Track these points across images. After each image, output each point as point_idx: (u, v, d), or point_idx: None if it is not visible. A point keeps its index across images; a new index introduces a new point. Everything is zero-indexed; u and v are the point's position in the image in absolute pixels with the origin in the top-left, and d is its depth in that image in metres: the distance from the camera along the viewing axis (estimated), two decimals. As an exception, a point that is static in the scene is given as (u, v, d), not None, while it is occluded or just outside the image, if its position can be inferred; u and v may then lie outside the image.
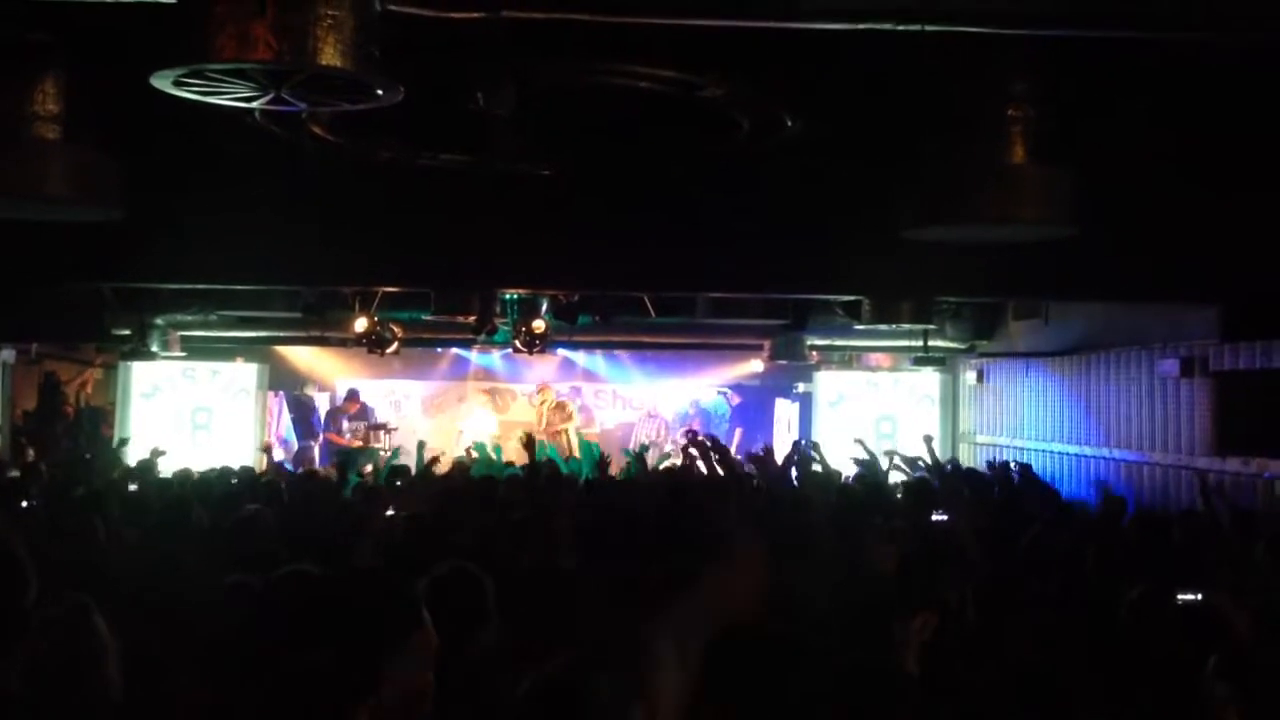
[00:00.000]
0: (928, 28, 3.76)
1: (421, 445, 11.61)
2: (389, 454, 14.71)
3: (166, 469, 10.18)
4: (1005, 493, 9.63)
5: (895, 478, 9.57)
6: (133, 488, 8.27)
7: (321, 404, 16.76)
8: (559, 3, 3.86)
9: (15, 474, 9.83)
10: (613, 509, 6.78)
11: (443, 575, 3.66)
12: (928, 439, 10.30)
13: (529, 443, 8.14)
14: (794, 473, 8.73)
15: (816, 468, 8.97)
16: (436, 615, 3.25)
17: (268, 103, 3.67)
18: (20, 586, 2.45)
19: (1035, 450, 12.09)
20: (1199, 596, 4.51)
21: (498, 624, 3.67)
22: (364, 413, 16.09)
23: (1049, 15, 3.75)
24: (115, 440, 12.52)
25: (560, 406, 16.43)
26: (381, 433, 15.86)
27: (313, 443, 16.14)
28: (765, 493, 7.44)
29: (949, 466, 10.76)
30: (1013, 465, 10.74)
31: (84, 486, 8.29)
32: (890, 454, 9.95)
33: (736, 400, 17.57)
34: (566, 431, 16.03)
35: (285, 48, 3.24)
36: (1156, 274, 7.39)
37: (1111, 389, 10.77)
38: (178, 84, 3.55)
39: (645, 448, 12.68)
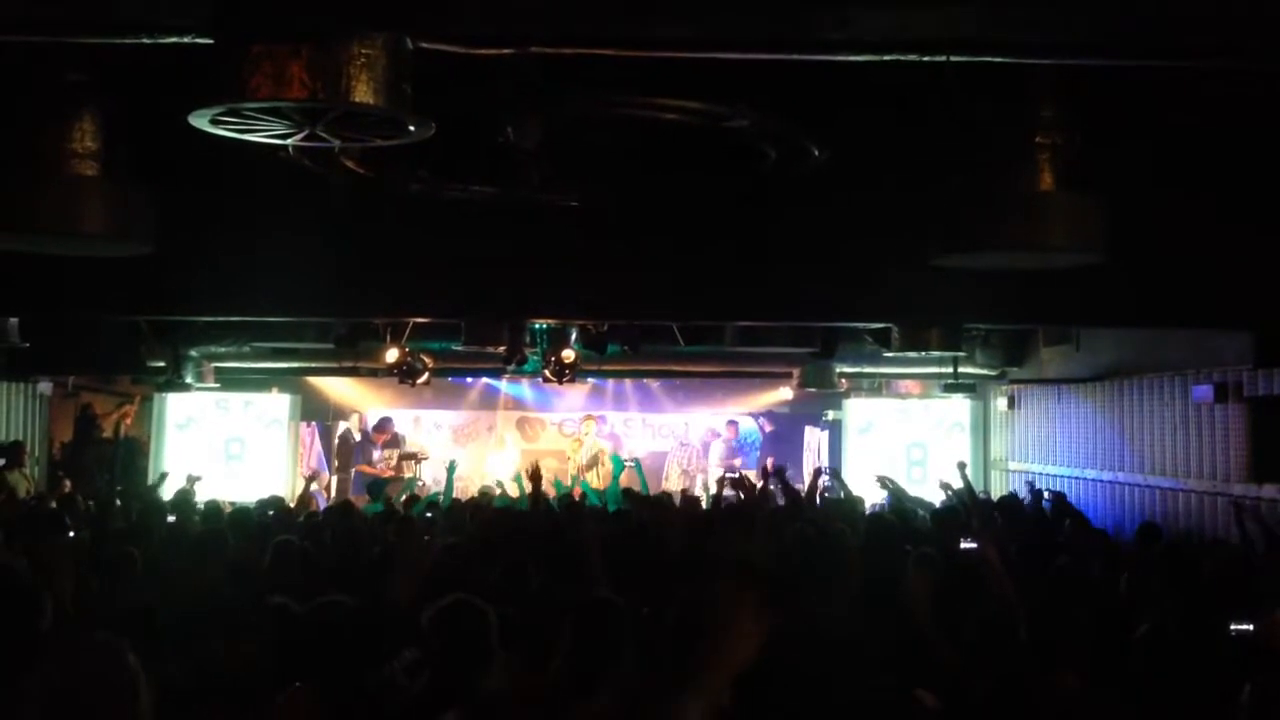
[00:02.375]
0: (952, 58, 3.79)
1: (452, 466, 11.64)
2: (416, 480, 14.80)
3: (201, 496, 10.28)
4: (1037, 520, 9.57)
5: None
6: (171, 519, 8.34)
7: (351, 435, 16.85)
8: (586, 39, 3.92)
9: (54, 505, 9.94)
10: (641, 539, 6.79)
11: (445, 608, 3.67)
12: (961, 465, 10.27)
13: (534, 475, 8.13)
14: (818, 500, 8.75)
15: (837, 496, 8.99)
16: (440, 647, 3.27)
17: (302, 139, 3.73)
18: (32, 614, 2.48)
19: (1068, 477, 12.01)
20: (1247, 625, 4.48)
21: (507, 657, 3.68)
22: (395, 442, 16.18)
23: (1072, 44, 3.77)
24: (152, 475, 12.65)
25: (595, 459, 16.24)
26: (413, 462, 15.94)
27: (346, 475, 16.24)
28: (793, 521, 7.44)
29: (981, 495, 10.73)
30: (1045, 493, 10.67)
31: (122, 518, 8.39)
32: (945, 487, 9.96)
33: (770, 428, 17.56)
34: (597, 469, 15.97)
35: (320, 86, 3.30)
36: (1188, 300, 7.34)
37: (1144, 415, 10.70)
38: (214, 122, 3.62)
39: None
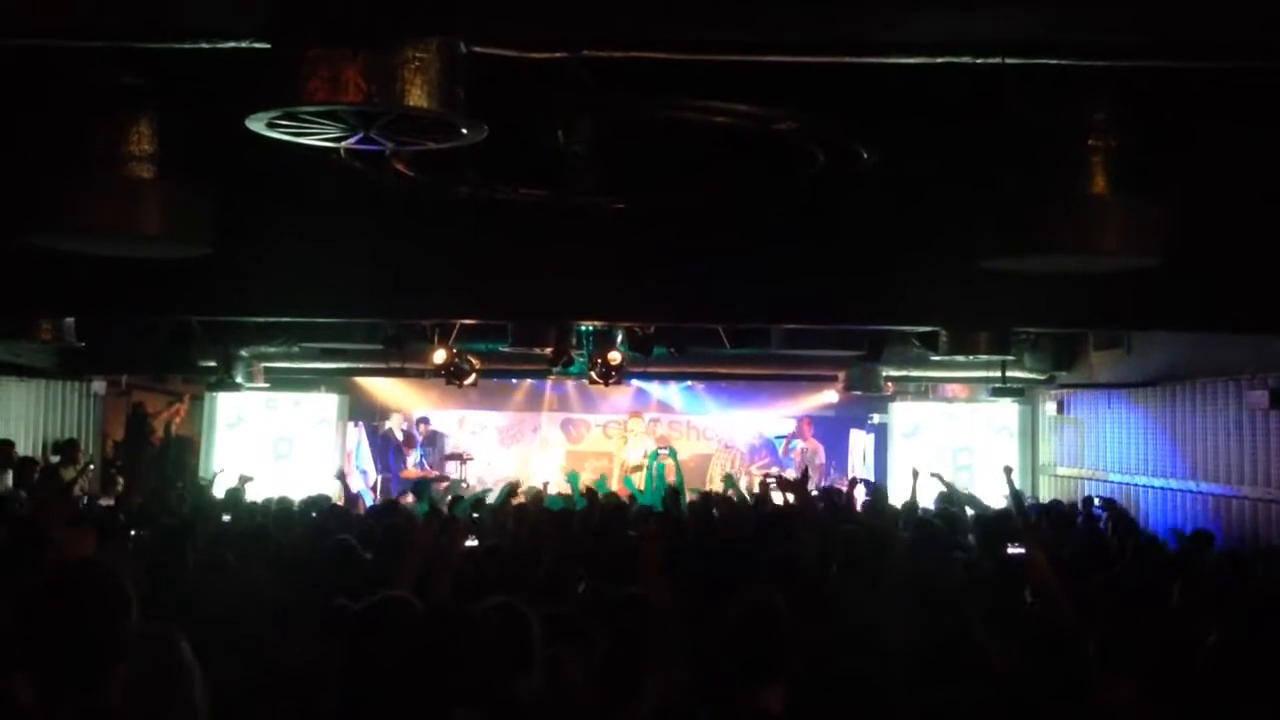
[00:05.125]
0: (1008, 60, 3.76)
1: (512, 487, 11.65)
2: (461, 483, 14.89)
3: (251, 495, 10.39)
4: (1087, 526, 9.48)
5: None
6: (226, 518, 8.43)
7: (393, 435, 16.96)
8: (638, 42, 3.93)
9: (108, 503, 10.09)
10: (696, 538, 6.80)
11: (489, 612, 3.67)
12: (1007, 470, 10.18)
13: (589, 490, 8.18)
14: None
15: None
16: (483, 650, 3.29)
17: (356, 142, 3.77)
18: (121, 610, 2.55)
19: (1118, 483, 11.87)
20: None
21: (545, 661, 3.66)
22: (432, 440, 16.30)
23: (1133, 46, 3.72)
24: (203, 474, 12.81)
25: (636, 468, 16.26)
26: (458, 463, 16.03)
27: (388, 474, 16.36)
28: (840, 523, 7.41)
29: (1028, 500, 10.64)
30: (1096, 500, 10.56)
31: (174, 516, 8.50)
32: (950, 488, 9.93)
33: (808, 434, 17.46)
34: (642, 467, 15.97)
35: (375, 90, 3.33)
36: (1243, 303, 7.23)
37: (1197, 420, 10.56)
38: (271, 125, 3.67)
39: (730, 479, 12.72)
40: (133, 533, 7.23)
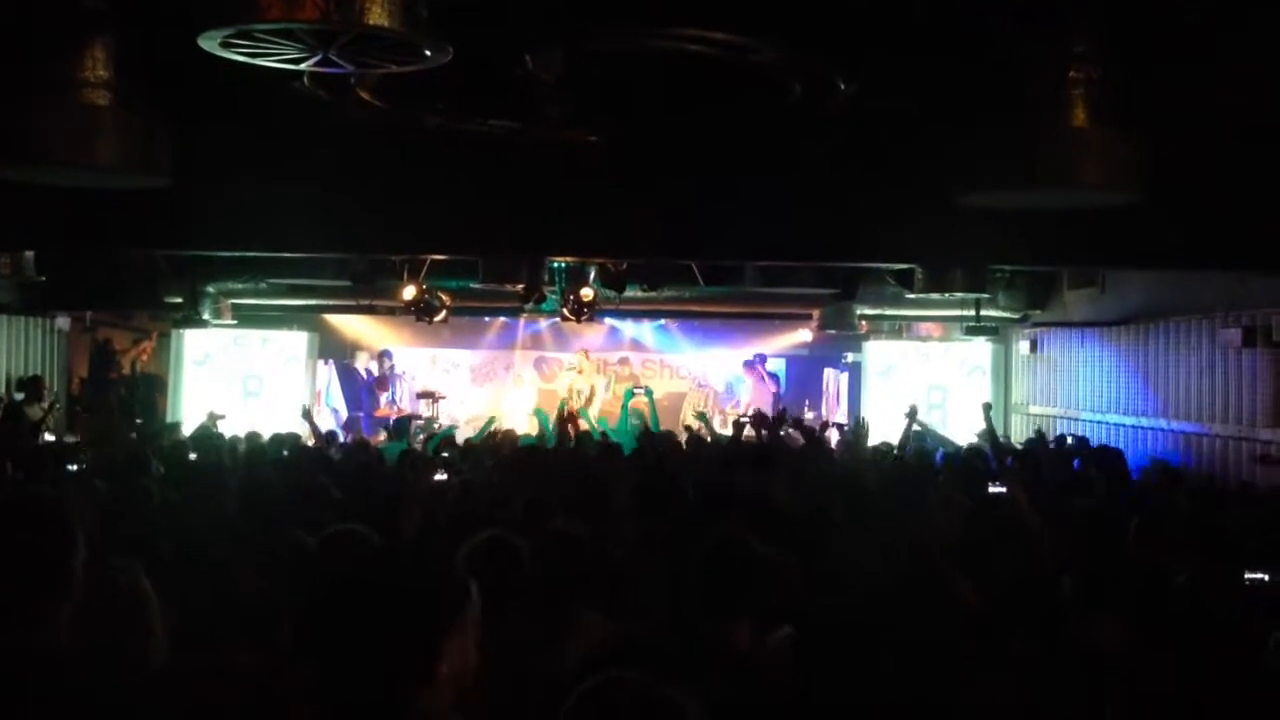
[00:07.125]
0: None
1: (491, 421, 11.58)
2: (433, 422, 14.79)
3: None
4: (1061, 464, 9.49)
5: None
6: (193, 456, 8.32)
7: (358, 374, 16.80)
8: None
9: (71, 439, 9.95)
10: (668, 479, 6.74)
11: (481, 544, 3.64)
12: (986, 407, 10.18)
13: (564, 418, 8.13)
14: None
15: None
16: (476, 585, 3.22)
17: (315, 64, 3.63)
18: (67, 546, 2.47)
19: (1090, 421, 11.91)
20: (1262, 575, 4.40)
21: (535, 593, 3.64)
22: (393, 385, 16.18)
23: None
24: (170, 411, 12.68)
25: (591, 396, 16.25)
26: (430, 400, 15.91)
27: (359, 413, 16.23)
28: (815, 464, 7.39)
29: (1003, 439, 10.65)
30: (1069, 439, 10.58)
31: (139, 452, 8.38)
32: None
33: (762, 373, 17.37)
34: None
35: (332, 7, 3.20)
36: (1218, 241, 7.19)
37: (1170, 359, 10.57)
38: (225, 45, 3.52)
39: (702, 415, 12.69)
40: (71, 467, 7.09)
